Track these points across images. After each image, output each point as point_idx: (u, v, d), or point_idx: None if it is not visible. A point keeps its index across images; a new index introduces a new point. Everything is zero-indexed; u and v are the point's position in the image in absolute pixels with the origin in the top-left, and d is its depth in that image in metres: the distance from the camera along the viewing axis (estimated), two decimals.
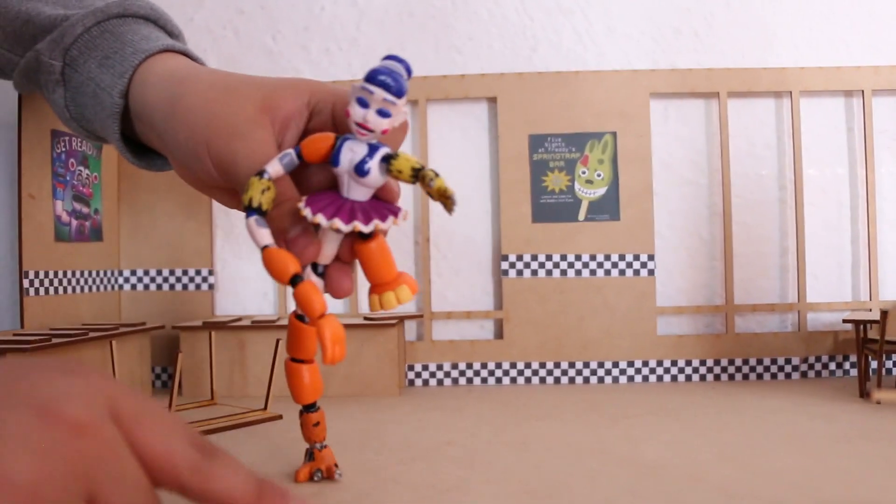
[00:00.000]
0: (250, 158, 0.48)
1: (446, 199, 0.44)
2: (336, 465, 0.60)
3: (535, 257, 1.09)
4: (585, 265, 1.08)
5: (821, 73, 1.08)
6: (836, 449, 0.67)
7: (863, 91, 1.08)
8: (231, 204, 0.55)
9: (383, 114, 0.43)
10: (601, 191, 1.09)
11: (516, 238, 1.10)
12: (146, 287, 1.13)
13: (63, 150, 0.96)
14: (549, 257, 1.09)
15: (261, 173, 0.45)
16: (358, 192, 0.46)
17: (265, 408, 0.85)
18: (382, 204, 0.47)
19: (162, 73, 0.57)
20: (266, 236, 0.44)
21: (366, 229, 0.44)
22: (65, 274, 0.96)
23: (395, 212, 0.46)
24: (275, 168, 0.45)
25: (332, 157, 0.46)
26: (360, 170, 0.45)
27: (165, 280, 1.13)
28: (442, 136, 1.14)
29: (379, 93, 0.42)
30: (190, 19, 1.15)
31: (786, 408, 0.86)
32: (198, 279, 1.13)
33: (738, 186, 1.11)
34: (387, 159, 0.45)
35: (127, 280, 1.13)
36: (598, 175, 1.09)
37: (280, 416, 0.83)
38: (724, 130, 1.09)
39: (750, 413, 0.84)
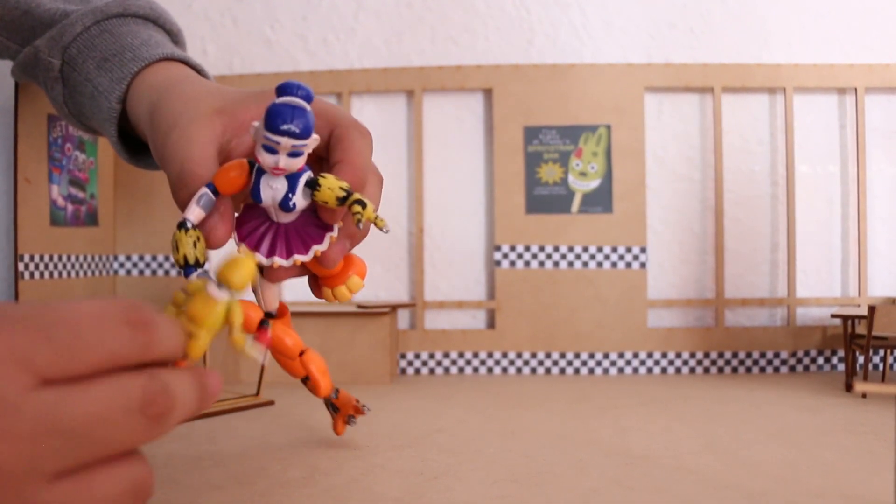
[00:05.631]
0: (178, 147, 0.46)
1: (377, 227, 0.42)
2: (357, 401, 0.63)
3: (528, 248, 1.10)
4: (578, 257, 1.09)
5: (814, 71, 1.09)
6: (821, 441, 0.68)
7: (856, 89, 1.09)
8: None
9: (296, 154, 0.41)
10: (595, 183, 1.10)
11: (510, 229, 1.10)
12: (141, 272, 1.13)
13: (59, 134, 0.96)
14: (542, 248, 1.10)
15: (182, 225, 0.42)
16: (286, 217, 0.44)
17: (257, 393, 0.86)
18: (313, 220, 0.45)
19: (153, 83, 0.57)
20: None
21: (306, 258, 0.44)
22: (60, 258, 0.96)
23: (329, 228, 0.44)
24: (195, 213, 0.42)
25: (252, 193, 0.43)
26: (285, 206, 0.43)
27: (160, 266, 1.13)
28: (437, 127, 1.14)
29: (287, 141, 0.40)
30: (188, 6, 1.16)
31: (773, 401, 0.87)
32: None
33: (730, 182, 1.12)
34: (310, 185, 0.43)
35: (122, 265, 1.13)
36: (592, 168, 1.09)
37: (272, 402, 0.84)
38: (718, 126, 1.10)
39: (737, 405, 0.85)
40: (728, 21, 1.13)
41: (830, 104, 1.12)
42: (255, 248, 0.44)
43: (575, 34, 1.14)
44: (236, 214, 0.45)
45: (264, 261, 0.43)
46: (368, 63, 1.15)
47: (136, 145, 0.65)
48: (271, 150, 0.40)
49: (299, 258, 0.43)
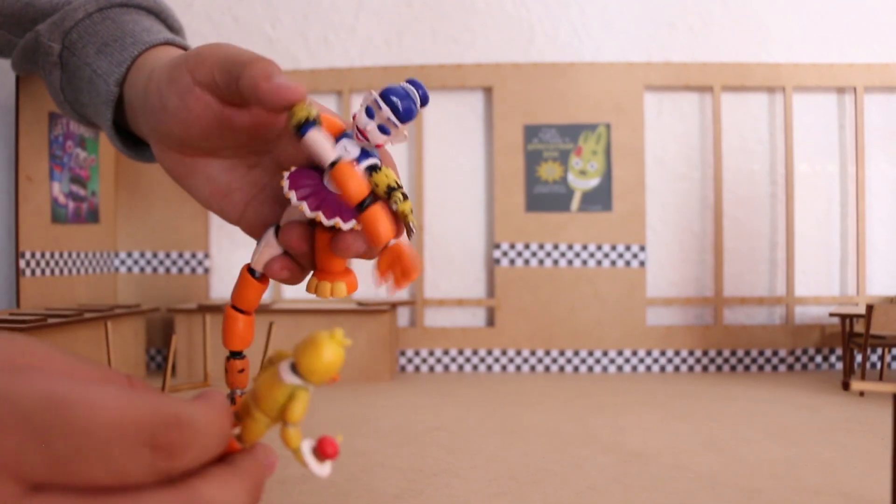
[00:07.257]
0: (233, 48, 0.45)
1: (406, 224, 0.45)
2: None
3: (527, 246, 1.10)
4: (577, 255, 1.09)
5: (814, 70, 1.09)
6: (819, 439, 0.68)
7: (855, 88, 1.09)
8: (219, 199, 0.52)
9: (384, 130, 0.45)
10: (594, 182, 1.10)
11: (509, 227, 1.11)
12: (142, 269, 1.13)
13: (61, 132, 0.96)
14: (541, 246, 1.10)
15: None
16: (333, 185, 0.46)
17: None
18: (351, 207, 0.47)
19: (152, 64, 0.56)
20: (332, 150, 0.44)
21: (326, 223, 0.45)
22: (61, 255, 0.97)
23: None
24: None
25: None
26: None
27: (161, 263, 1.13)
28: (438, 125, 1.14)
29: (386, 111, 0.44)
30: (189, 5, 1.16)
31: (771, 399, 0.87)
32: (193, 262, 1.13)
33: (729, 181, 1.12)
34: (372, 168, 0.46)
35: (123, 262, 1.13)
36: (592, 166, 1.10)
37: None
38: (718, 125, 1.10)
39: (736, 403, 0.85)
40: (728, 20, 1.13)
41: (830, 104, 1.13)
42: (294, 187, 0.46)
43: (575, 33, 1.14)
44: (293, 169, 0.47)
45: (294, 200, 0.45)
46: (369, 61, 1.15)
47: (130, 137, 0.64)
48: (370, 115, 0.45)
49: (321, 216, 0.45)
